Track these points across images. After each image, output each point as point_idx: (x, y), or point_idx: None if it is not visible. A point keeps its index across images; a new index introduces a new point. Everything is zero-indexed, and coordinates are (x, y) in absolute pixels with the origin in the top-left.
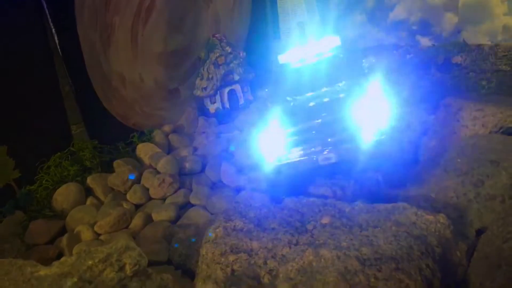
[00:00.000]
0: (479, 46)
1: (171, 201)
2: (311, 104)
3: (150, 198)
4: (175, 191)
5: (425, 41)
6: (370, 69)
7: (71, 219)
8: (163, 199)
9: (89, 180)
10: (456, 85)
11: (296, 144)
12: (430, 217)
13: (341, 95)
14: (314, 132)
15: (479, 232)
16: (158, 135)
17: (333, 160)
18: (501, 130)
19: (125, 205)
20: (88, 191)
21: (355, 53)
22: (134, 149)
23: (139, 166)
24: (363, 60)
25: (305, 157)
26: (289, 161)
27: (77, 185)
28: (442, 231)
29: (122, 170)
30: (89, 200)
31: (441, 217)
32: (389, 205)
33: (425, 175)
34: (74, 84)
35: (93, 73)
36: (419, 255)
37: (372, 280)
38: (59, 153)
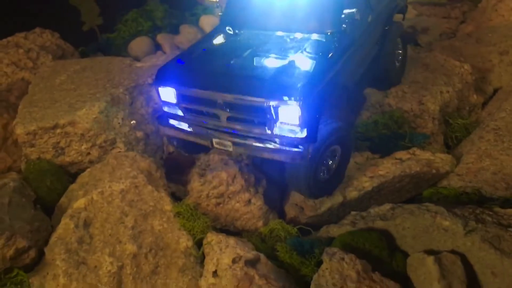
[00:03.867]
0: None
1: None
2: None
3: None
4: None
5: None
6: None
7: None
8: None
9: (159, 37)
10: None
11: (196, 112)
12: (456, 63)
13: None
14: (222, 108)
15: (496, 91)
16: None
17: (229, 149)
18: None
19: None
20: (157, 46)
21: None
22: (197, 20)
23: (202, 33)
24: None
25: (199, 132)
26: (181, 128)
27: (149, 39)
28: (464, 75)
29: (188, 31)
30: (158, 53)
31: (466, 65)
32: (423, 54)
33: (458, 43)
34: None
35: None
36: (442, 83)
37: (401, 92)
38: (135, 10)
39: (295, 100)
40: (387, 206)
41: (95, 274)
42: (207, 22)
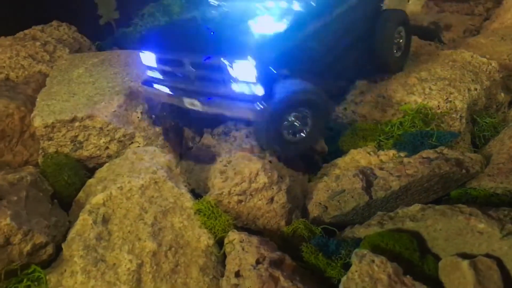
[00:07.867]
0: None
1: None
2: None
3: None
4: None
5: None
6: None
7: None
8: None
9: None
10: None
11: (171, 75)
12: (484, 60)
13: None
14: (193, 70)
15: None
16: None
17: (199, 109)
18: None
19: None
20: None
21: None
22: None
23: None
24: None
25: (176, 94)
26: (162, 91)
27: None
28: (492, 73)
29: None
30: None
31: (493, 62)
32: (448, 51)
33: (484, 40)
34: None
35: None
36: (469, 80)
37: (427, 89)
38: (152, 4)
39: (251, 57)
40: (416, 207)
41: (114, 272)
42: None
